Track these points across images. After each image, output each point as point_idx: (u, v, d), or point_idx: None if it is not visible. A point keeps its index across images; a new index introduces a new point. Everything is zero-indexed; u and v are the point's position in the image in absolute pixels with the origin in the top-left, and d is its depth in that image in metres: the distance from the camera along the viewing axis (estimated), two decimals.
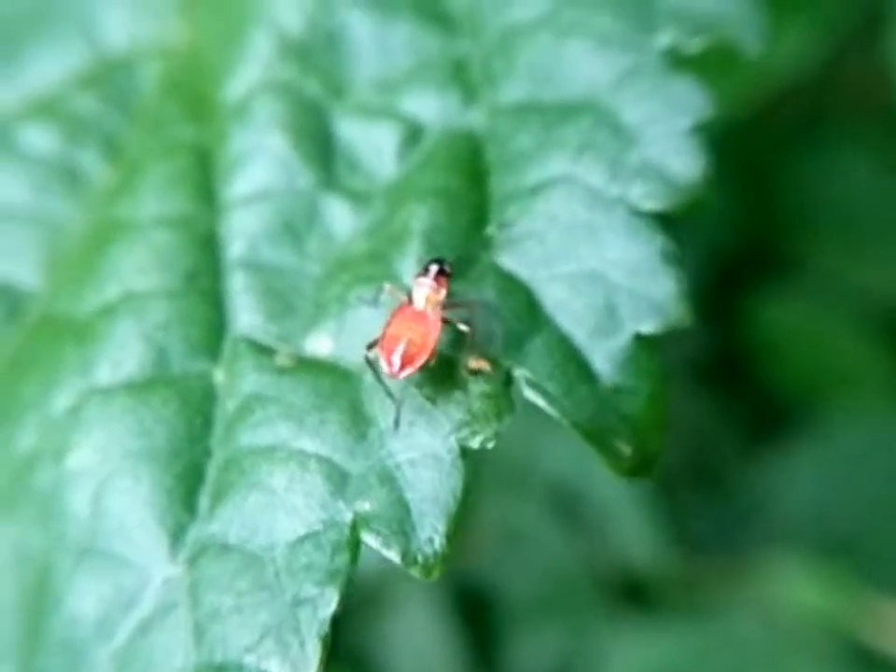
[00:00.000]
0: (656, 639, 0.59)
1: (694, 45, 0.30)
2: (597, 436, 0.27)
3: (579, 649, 0.59)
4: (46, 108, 0.39)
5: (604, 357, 0.27)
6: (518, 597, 0.61)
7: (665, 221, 0.28)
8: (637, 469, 0.27)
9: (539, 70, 0.32)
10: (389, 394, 0.26)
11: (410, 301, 0.27)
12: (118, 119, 0.38)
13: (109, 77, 0.39)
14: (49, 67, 0.40)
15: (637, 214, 0.28)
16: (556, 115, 0.31)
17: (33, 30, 0.42)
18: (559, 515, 0.61)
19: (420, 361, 0.26)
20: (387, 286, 0.28)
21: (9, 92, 0.40)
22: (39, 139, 0.38)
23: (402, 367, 0.26)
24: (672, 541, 0.62)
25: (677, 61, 0.30)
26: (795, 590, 0.59)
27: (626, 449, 0.27)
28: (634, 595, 0.62)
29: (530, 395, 0.27)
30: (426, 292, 0.27)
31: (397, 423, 0.25)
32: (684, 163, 0.28)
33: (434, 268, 0.28)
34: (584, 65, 0.31)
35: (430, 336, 0.26)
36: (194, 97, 0.38)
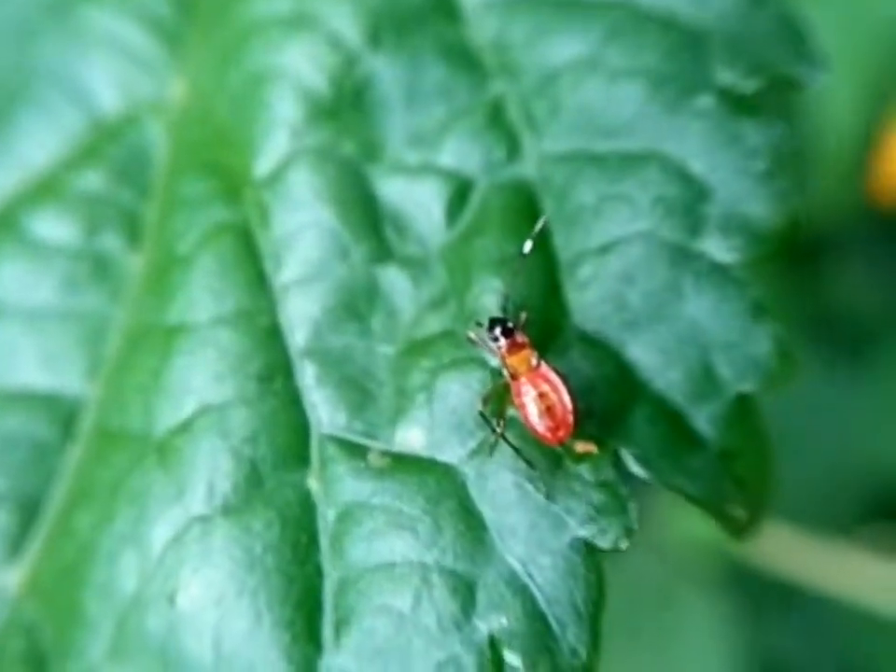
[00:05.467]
0: None
1: (752, 84, 0.26)
2: (713, 505, 0.24)
3: None
4: (50, 188, 0.34)
5: (707, 421, 0.24)
6: None
7: (753, 272, 0.26)
8: (747, 528, 0.25)
9: (588, 116, 0.28)
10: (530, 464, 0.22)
11: (516, 369, 0.23)
12: (131, 195, 0.33)
13: (110, 146, 0.34)
14: (43, 139, 0.34)
15: (723, 268, 0.25)
16: (616, 166, 0.26)
17: (17, 99, 0.36)
18: None
19: (572, 420, 0.23)
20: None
21: (5, 172, 0.35)
22: (53, 226, 0.32)
23: (559, 430, 0.23)
24: None
25: (737, 102, 0.27)
26: (682, 521, 0.58)
27: (741, 513, 0.24)
28: None
29: (640, 473, 0.23)
30: (529, 352, 0.24)
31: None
32: (765, 210, 0.25)
33: (511, 325, 0.24)
34: (639, 110, 0.27)
35: (565, 392, 0.23)
36: (217, 168, 0.33)
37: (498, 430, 0.23)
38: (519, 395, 0.23)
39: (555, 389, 0.23)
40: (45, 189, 0.33)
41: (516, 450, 0.23)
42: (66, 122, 0.33)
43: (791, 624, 0.58)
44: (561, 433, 0.23)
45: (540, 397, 0.23)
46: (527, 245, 0.25)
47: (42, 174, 0.33)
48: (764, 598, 0.57)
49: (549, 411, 0.23)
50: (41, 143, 0.33)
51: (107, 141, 0.33)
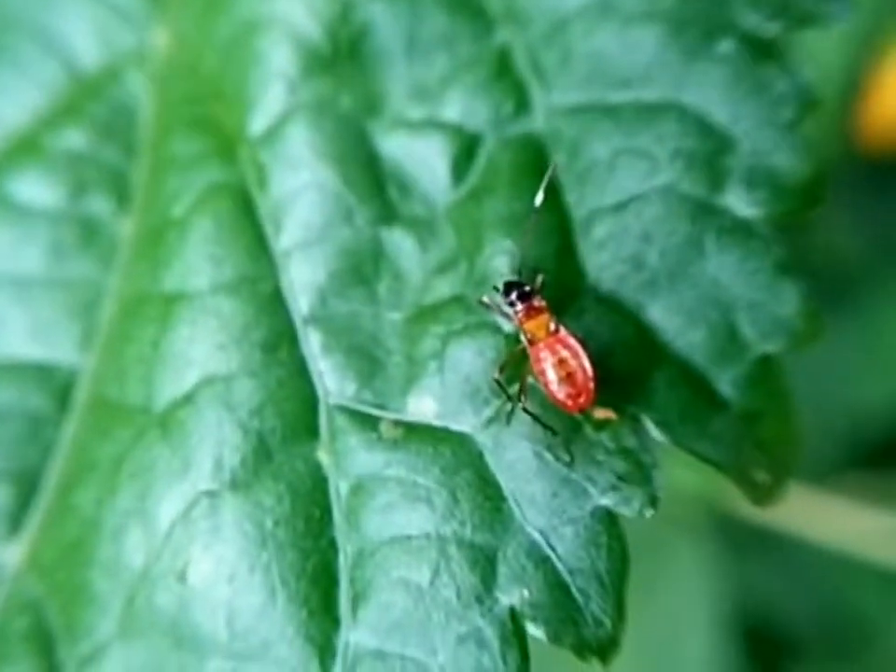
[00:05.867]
0: None
1: (776, 26, 0.24)
2: (736, 470, 0.23)
3: None
4: (30, 148, 0.32)
5: (730, 383, 0.23)
6: None
7: (778, 228, 0.25)
8: (771, 493, 0.25)
9: (601, 65, 0.27)
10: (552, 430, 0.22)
11: (535, 334, 0.23)
12: (116, 153, 0.31)
13: (91, 101, 0.32)
14: (19, 95, 0.32)
15: (747, 223, 0.23)
16: (631, 118, 0.25)
17: None
18: None
19: (593, 386, 0.22)
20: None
21: None
22: (36, 189, 0.30)
23: (580, 397, 0.22)
24: None
25: (759, 46, 0.25)
26: (667, 468, 0.60)
27: (765, 477, 0.24)
28: None
29: (661, 438, 0.22)
30: (548, 316, 0.23)
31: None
32: (791, 161, 0.23)
33: (528, 288, 0.23)
34: (656, 57, 0.26)
35: (585, 357, 0.22)
36: (208, 125, 0.31)
37: (517, 398, 0.22)
38: (538, 361, 0.22)
39: (575, 355, 0.22)
40: (25, 149, 0.31)
41: (535, 417, 0.22)
42: (43, 76, 0.31)
43: (774, 571, 0.59)
44: (582, 400, 0.22)
45: (560, 363, 0.22)
46: (539, 197, 0.23)
47: (20, 132, 0.31)
48: (748, 545, 0.58)
49: (569, 377, 0.22)
50: (17, 99, 0.31)
51: (88, 96, 0.31)
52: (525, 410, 0.22)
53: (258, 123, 0.27)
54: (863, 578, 0.56)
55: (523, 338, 0.23)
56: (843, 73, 0.59)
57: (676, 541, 0.54)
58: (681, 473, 0.53)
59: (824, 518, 0.56)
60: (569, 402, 0.22)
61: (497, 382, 0.22)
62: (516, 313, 0.23)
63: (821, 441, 0.60)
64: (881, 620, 0.57)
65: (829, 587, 0.58)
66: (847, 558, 0.54)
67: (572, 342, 0.22)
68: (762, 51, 0.24)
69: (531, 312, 0.23)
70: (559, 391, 0.22)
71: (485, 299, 0.23)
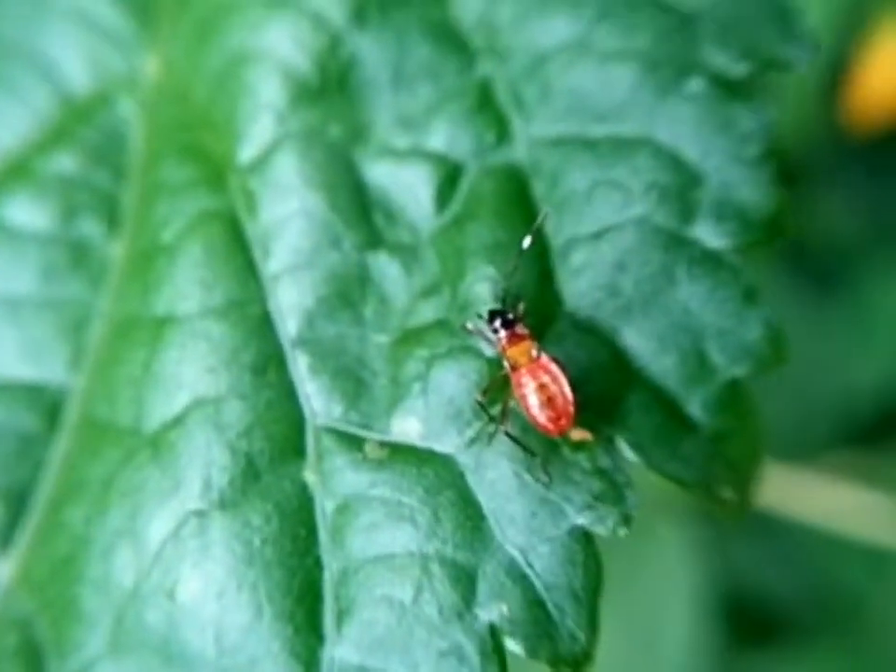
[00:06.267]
0: None
1: (743, 67, 0.25)
2: (704, 488, 0.25)
3: None
4: (22, 172, 0.32)
5: (699, 405, 0.24)
6: None
7: (745, 258, 0.26)
8: (740, 509, 0.26)
9: (579, 100, 0.28)
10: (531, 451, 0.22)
11: (517, 360, 0.23)
12: (107, 178, 0.32)
13: (82, 126, 0.33)
14: (10, 120, 0.32)
15: (716, 254, 0.25)
16: (608, 151, 0.26)
17: None
18: None
19: (573, 410, 0.23)
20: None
21: None
22: (28, 212, 0.31)
23: (560, 420, 0.23)
24: None
25: (727, 86, 0.26)
26: None
27: (731, 494, 0.25)
28: None
29: (634, 459, 0.23)
30: (530, 343, 0.23)
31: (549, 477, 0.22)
32: (757, 195, 0.25)
33: (511, 316, 0.24)
34: (631, 94, 0.27)
35: (566, 382, 0.23)
36: (198, 152, 0.32)
37: (498, 421, 0.23)
38: (519, 386, 0.23)
39: (556, 380, 0.23)
40: (17, 173, 0.31)
41: (514, 439, 0.23)
42: (35, 102, 0.32)
43: (762, 551, 0.59)
44: (563, 423, 0.23)
45: (541, 388, 0.23)
46: (526, 241, 0.24)
47: (13, 157, 0.31)
48: (735, 525, 0.58)
49: (550, 401, 0.23)
50: (10, 124, 0.32)
51: (79, 121, 0.32)
52: (506, 433, 0.23)
53: (246, 152, 0.28)
54: (850, 555, 0.56)
55: (505, 363, 0.24)
56: (830, 49, 0.59)
57: (660, 521, 0.55)
58: None
59: (809, 496, 0.56)
60: (550, 426, 0.23)
61: (480, 404, 0.23)
62: (499, 339, 0.24)
63: (809, 420, 0.60)
64: (867, 596, 0.57)
65: (815, 564, 0.58)
66: (832, 536, 0.55)
67: (553, 367, 0.23)
68: (729, 91, 0.25)
69: (514, 339, 0.24)
70: (540, 415, 0.23)
71: (469, 325, 0.24)
